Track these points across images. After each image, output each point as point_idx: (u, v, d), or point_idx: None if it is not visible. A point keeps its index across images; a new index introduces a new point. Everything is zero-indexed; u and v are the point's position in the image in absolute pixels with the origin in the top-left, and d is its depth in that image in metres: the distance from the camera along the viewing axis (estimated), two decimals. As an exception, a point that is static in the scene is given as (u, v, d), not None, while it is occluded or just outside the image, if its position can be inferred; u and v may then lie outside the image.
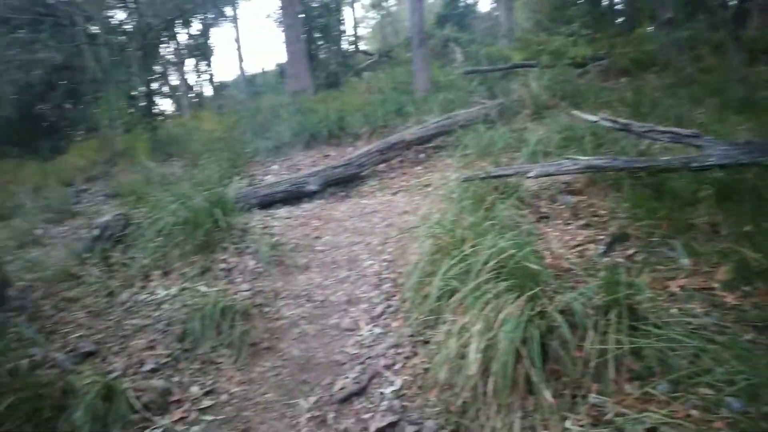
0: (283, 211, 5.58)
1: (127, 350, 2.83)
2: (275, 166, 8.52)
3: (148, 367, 2.66)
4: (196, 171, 8.18)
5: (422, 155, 7.12)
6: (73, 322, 3.15)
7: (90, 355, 2.75)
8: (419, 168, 6.78)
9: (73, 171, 9.91)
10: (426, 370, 2.46)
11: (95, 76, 11.18)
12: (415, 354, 2.64)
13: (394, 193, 5.96)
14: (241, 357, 2.81)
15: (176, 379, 2.60)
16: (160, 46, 17.12)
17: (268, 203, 5.82)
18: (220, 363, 2.76)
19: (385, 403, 2.35)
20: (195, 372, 2.68)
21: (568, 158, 3.82)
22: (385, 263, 3.84)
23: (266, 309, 3.34)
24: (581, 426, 1.92)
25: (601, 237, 3.14)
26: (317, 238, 4.69)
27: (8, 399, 2.05)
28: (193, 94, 21.72)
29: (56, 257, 4.40)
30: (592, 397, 1.99)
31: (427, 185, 5.93)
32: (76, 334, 2.98)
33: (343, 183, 6.55)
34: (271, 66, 26.45)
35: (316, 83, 13.75)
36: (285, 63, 14.46)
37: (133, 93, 13.18)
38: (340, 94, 11.68)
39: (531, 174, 3.77)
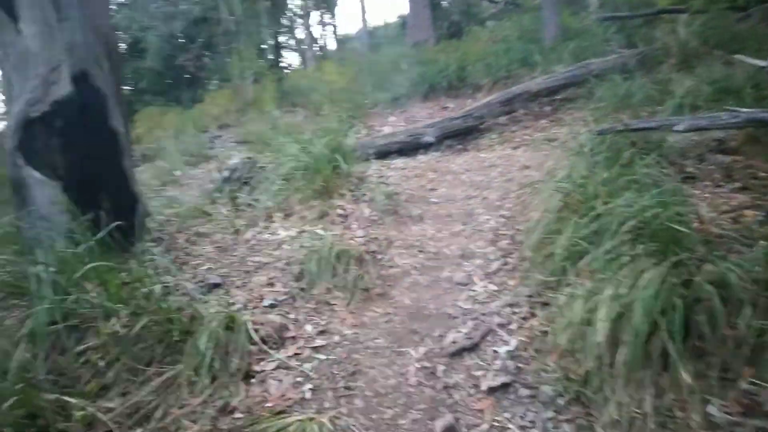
0: (399, 162, 5.54)
1: (248, 285, 2.97)
2: (393, 117, 8.48)
3: (267, 302, 2.77)
4: (317, 120, 8.41)
5: (548, 108, 6.63)
6: (202, 255, 3.38)
7: (216, 286, 2.93)
8: (544, 121, 6.34)
9: (208, 118, 10.66)
10: (544, 333, 2.29)
11: (229, 28, 11.77)
12: (533, 315, 2.48)
13: (516, 147, 5.64)
14: (354, 301, 2.83)
15: (292, 316, 2.68)
16: (288, -2, 17.58)
17: (384, 153, 5.81)
18: (334, 305, 2.80)
19: (498, 362, 2.23)
20: (310, 311, 2.74)
21: (727, 110, 3.29)
22: (502, 219, 3.65)
23: (379, 256, 3.33)
24: (728, 413, 1.67)
25: (761, 203, 2.68)
26: (432, 190, 4.58)
27: (143, 320, 2.23)
28: (317, 47, 22.19)
29: (191, 196, 4.77)
30: (744, 383, 1.72)
31: (552, 139, 5.52)
32: (205, 267, 3.20)
33: (461, 135, 6.33)
34: (393, 18, 26.22)
35: (437, 34, 13.37)
36: (407, 14, 14.19)
37: (262, 45, 13.74)
38: (462, 44, 11.21)
39: (679, 127, 3.31)
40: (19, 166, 3.07)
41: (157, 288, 2.47)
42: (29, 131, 3.07)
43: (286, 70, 14.95)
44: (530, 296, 2.60)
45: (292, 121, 9.05)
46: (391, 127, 7.78)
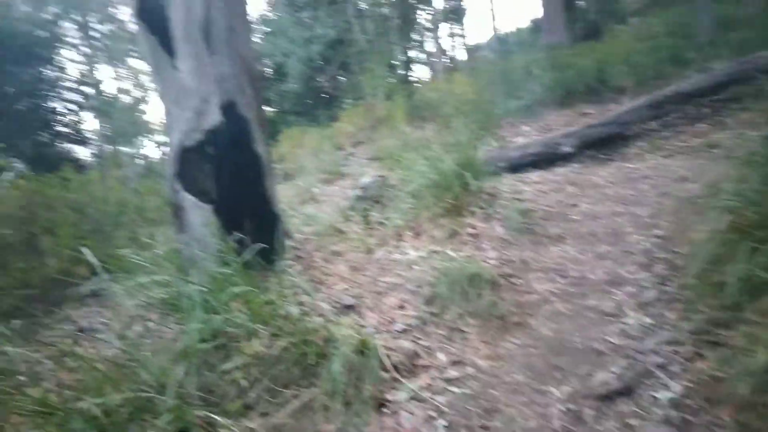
0: (534, 176, 5.25)
1: (380, 307, 2.96)
2: (526, 127, 8.13)
3: (398, 326, 2.73)
4: (446, 134, 8.36)
5: (706, 109, 5.87)
6: (337, 274, 3.45)
7: (349, 308, 2.95)
8: (702, 125, 5.63)
9: (342, 136, 11.13)
10: (715, 379, 1.95)
11: (362, 47, 12.23)
12: (700, 356, 2.12)
13: (669, 156, 5.07)
14: (489, 329, 2.68)
15: (424, 343, 2.61)
16: (417, 13, 17.86)
17: (518, 166, 5.54)
18: (467, 332, 2.67)
19: (658, 411, 1.94)
20: (442, 338, 2.64)
21: None
22: (656, 239, 3.25)
23: (515, 281, 3.13)
24: None
25: None
26: (572, 206, 4.25)
27: (282, 342, 2.30)
28: (447, 59, 22.27)
29: (327, 214, 4.94)
30: None
31: (713, 146, 4.88)
32: (339, 287, 3.25)
33: (604, 144, 5.84)
34: (525, 23, 25.43)
35: (573, 35, 12.63)
36: (540, 18, 13.63)
37: (393, 62, 14.08)
38: (600, 45, 10.46)
39: None
40: (177, 191, 3.39)
41: (295, 309, 2.55)
42: (185, 159, 3.39)
43: (416, 85, 15.14)
44: (695, 333, 2.24)
45: (421, 135, 9.11)
46: (525, 137, 7.45)
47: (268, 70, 16.37)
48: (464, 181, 4.01)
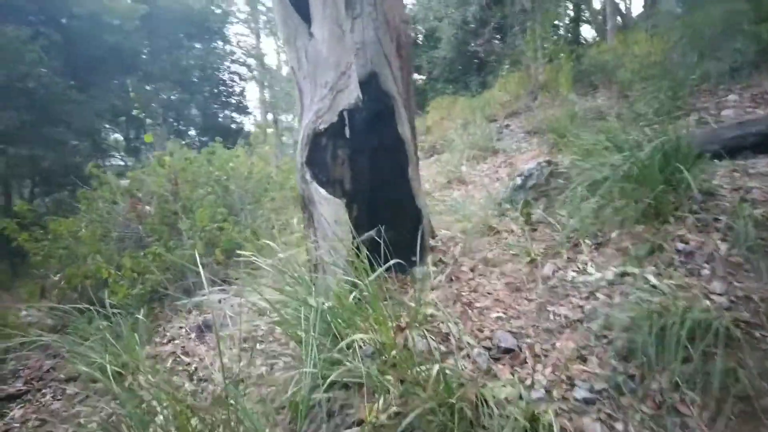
0: (762, 164, 3.91)
1: (550, 355, 2.17)
2: (733, 96, 6.43)
3: (579, 392, 1.93)
4: (624, 104, 6.99)
5: None
6: (489, 294, 2.71)
7: (508, 352, 2.21)
8: None
9: (496, 106, 10.11)
10: None
11: (524, 6, 10.94)
12: None
13: None
14: (722, 416, 1.77)
15: (618, 426, 1.79)
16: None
17: (734, 150, 4.20)
18: (686, 415, 1.79)
19: None
20: (646, 420, 1.80)
21: None
22: None
23: (758, 333, 2.12)
24: None
25: None
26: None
27: (416, 409, 1.66)
28: (619, 16, 19.44)
29: (476, 203, 4.19)
30: None
31: None
32: (493, 314, 2.51)
33: None
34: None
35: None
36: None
37: (556, 22, 12.50)
38: None
39: None
40: (307, 181, 2.90)
41: (432, 344, 1.90)
42: (317, 144, 2.87)
43: (583, 45, 13.36)
44: None
45: (591, 105, 7.79)
46: (734, 109, 5.85)
47: (419, 36, 15.66)
48: (669, 173, 2.98)
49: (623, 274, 2.55)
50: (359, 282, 2.16)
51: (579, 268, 2.75)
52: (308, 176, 2.88)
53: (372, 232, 2.66)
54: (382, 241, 2.35)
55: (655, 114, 6.04)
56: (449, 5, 14.21)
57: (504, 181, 5.60)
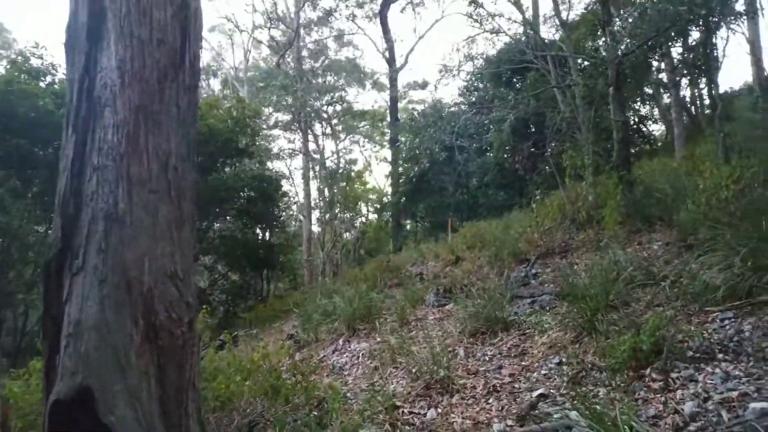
0: None
1: None
2: None
3: None
4: (687, 257, 5.15)
5: None
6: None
7: None
8: None
9: (531, 237, 8.43)
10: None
11: (559, 125, 9.58)
12: None
13: None
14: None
15: None
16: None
17: None
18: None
19: None
20: None
21: None
22: None
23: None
24: None
25: None
26: None
27: None
28: (686, 117, 16.91)
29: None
30: None
31: None
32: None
33: None
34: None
35: None
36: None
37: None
38: None
39: None
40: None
41: None
42: None
43: (639, 158, 11.50)
44: None
45: (641, 255, 5.92)
46: None
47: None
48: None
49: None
50: None
51: None
52: None
53: None
54: None
55: (726, 286, 4.17)
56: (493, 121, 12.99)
57: (506, 390, 3.91)
